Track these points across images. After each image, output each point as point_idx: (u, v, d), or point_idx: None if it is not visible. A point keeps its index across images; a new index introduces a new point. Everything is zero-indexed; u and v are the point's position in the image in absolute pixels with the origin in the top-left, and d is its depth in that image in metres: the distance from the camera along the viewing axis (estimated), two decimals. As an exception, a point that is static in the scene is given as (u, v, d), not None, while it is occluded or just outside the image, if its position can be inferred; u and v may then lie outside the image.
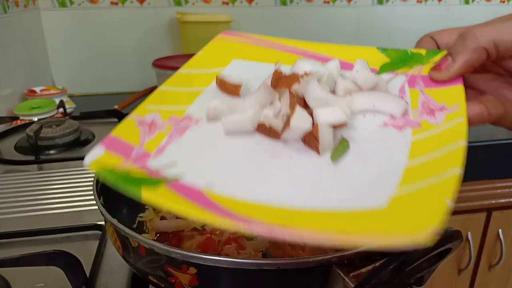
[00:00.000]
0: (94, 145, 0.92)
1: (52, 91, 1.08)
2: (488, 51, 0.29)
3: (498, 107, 0.31)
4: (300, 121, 0.31)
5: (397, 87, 0.36)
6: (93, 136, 0.88)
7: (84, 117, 0.96)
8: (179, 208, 0.27)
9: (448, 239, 0.31)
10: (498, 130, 0.97)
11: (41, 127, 0.79)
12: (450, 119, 0.32)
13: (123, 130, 0.35)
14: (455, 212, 0.96)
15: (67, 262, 0.41)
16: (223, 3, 1.31)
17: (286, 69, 0.36)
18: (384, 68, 0.38)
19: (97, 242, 0.50)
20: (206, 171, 0.31)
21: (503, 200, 0.97)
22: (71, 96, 1.20)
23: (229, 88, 0.38)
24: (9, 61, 1.03)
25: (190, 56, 0.47)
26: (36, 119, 0.94)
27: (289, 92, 0.34)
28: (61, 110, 0.97)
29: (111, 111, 0.96)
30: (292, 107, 0.32)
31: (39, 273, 0.45)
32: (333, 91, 0.36)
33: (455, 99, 0.32)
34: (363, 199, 0.27)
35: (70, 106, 1.08)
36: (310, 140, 0.31)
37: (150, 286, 0.42)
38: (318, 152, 0.31)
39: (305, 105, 0.33)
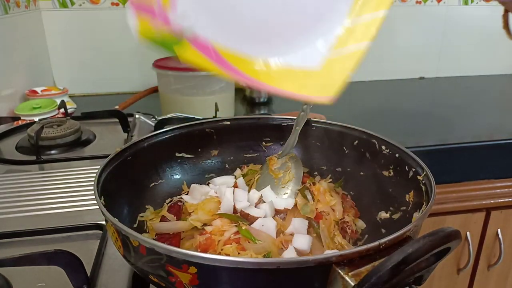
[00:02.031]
0: (95, 145, 0.91)
1: (53, 92, 1.08)
2: None
3: None
4: None
5: None
6: (94, 136, 0.88)
7: (85, 117, 0.96)
8: (200, 64, 0.37)
9: (447, 239, 0.32)
10: (497, 130, 0.97)
11: (42, 127, 0.79)
12: None
13: None
14: (454, 212, 0.96)
15: (68, 262, 0.41)
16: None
17: None
18: None
19: (98, 241, 0.51)
20: (212, 24, 0.37)
21: (502, 200, 0.97)
22: (72, 97, 1.21)
23: None
24: (10, 61, 1.04)
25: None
26: (37, 119, 0.94)
27: None
28: (62, 110, 0.97)
29: (112, 111, 0.96)
30: None
31: (40, 273, 0.45)
32: None
33: None
34: (309, 60, 0.36)
35: (71, 106, 1.09)
36: None
37: (151, 285, 0.42)
38: None
39: None
